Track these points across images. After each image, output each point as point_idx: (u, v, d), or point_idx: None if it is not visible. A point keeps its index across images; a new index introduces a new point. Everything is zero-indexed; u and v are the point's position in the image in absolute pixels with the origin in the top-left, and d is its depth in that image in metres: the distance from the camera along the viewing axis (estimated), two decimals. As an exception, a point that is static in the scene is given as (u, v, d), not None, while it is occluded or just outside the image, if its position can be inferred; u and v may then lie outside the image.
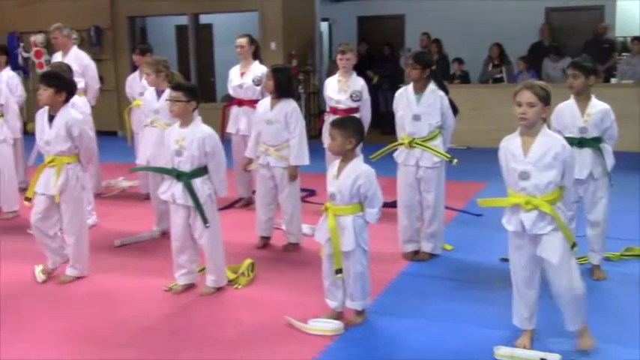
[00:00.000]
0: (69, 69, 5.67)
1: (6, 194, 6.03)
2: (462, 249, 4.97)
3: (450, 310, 3.90)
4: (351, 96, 5.80)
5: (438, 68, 5.79)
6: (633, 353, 3.31)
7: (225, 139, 5.65)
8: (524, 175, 3.17)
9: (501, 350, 3.30)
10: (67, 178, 4.31)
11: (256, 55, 6.31)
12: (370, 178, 3.55)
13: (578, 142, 4.13)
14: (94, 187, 6.27)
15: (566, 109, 4.24)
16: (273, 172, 4.94)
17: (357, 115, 5.51)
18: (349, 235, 3.54)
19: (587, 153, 4.18)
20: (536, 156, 3.16)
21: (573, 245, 3.24)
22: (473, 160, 7.65)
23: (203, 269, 4.32)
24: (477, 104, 9.31)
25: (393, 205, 4.97)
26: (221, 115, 6.45)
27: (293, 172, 4.92)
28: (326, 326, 3.60)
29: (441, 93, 4.63)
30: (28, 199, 4.46)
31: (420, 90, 4.61)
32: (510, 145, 3.25)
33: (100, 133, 7.29)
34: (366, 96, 5.91)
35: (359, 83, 5.87)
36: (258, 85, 6.11)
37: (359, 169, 3.57)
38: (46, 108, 4.36)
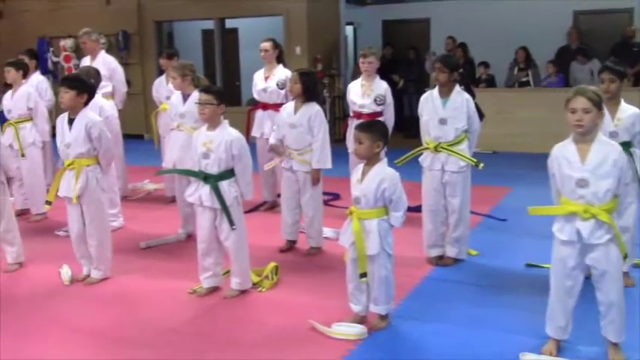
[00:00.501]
0: (97, 73, 5.76)
1: (35, 197, 6.11)
2: (487, 254, 4.91)
3: (475, 315, 3.86)
4: (375, 100, 5.78)
5: (465, 72, 5.76)
6: (663, 362, 3.25)
7: (250, 143, 5.67)
8: (582, 183, 3.08)
9: (527, 357, 3.26)
10: (87, 180, 4.35)
11: (280, 59, 6.34)
12: (395, 181, 3.54)
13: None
14: (121, 189, 6.35)
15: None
16: (297, 175, 4.95)
17: (380, 118, 5.51)
18: (374, 238, 3.53)
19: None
20: (593, 163, 3.08)
21: (625, 256, 3.19)
22: (498, 165, 7.58)
23: (227, 272, 4.33)
24: (503, 108, 9.20)
25: (417, 209, 4.95)
26: (246, 119, 6.49)
27: (316, 176, 4.92)
28: (349, 330, 3.59)
29: (467, 96, 4.61)
30: (49, 203, 4.52)
31: (446, 94, 4.58)
32: (565, 151, 3.16)
33: (127, 136, 7.38)
34: (390, 99, 5.88)
35: (382, 87, 5.85)
36: (282, 88, 6.14)
37: (383, 172, 3.56)
38: (66, 113, 4.41)
